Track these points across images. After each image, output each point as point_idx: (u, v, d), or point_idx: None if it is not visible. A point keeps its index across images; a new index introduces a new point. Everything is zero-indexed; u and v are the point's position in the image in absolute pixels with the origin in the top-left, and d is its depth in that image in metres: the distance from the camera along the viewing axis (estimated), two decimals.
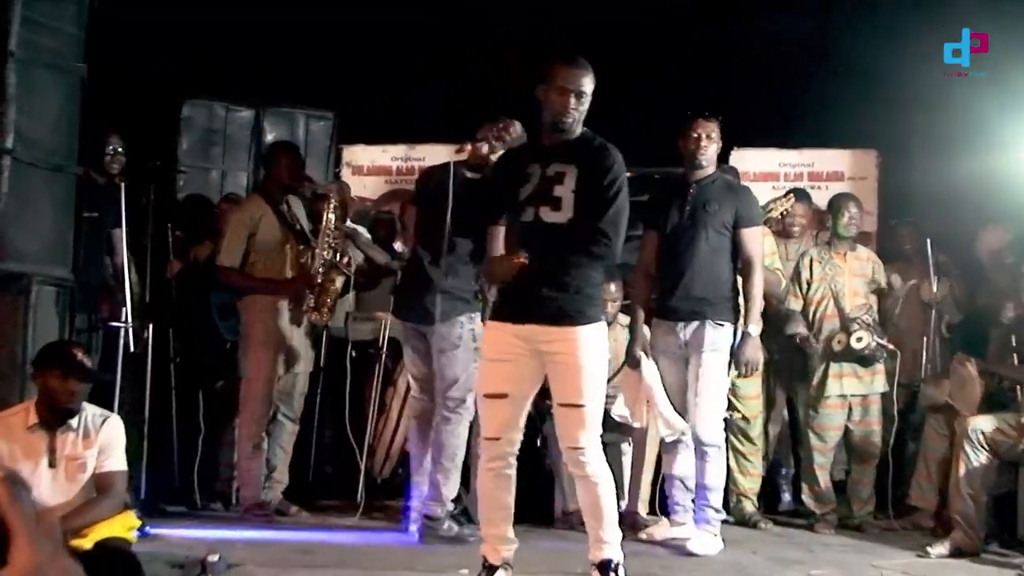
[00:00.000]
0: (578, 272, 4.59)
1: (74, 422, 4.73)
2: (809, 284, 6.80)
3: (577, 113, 4.64)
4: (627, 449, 6.60)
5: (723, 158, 7.66)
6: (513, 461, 4.72)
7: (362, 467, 6.60)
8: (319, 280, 6.44)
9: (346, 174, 9.11)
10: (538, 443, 6.37)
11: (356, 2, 8.88)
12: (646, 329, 6.13)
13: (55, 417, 4.70)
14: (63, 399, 4.67)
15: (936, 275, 7.02)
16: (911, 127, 8.79)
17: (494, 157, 5.60)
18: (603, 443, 4.70)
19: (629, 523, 5.99)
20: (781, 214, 6.97)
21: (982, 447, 5.92)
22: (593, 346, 4.60)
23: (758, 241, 6.01)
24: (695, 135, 5.96)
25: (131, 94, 7.97)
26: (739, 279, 5.96)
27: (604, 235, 4.55)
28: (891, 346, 6.69)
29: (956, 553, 5.87)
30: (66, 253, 5.97)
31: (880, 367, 6.72)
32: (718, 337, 5.84)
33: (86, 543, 4.46)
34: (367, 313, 7.20)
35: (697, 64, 8.96)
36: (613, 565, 4.63)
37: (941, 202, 7.91)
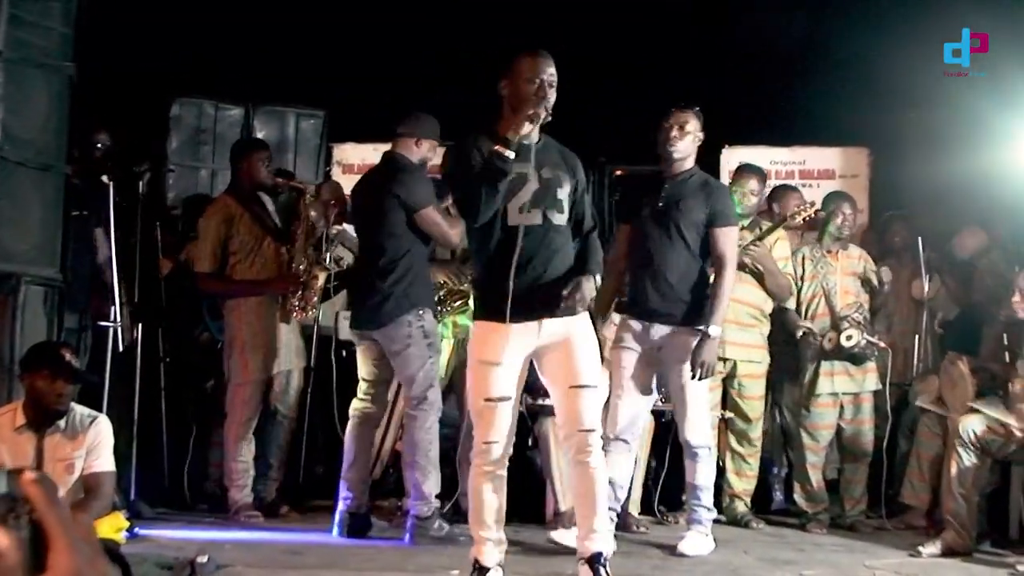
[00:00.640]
0: (574, 269, 4.66)
1: (62, 423, 4.71)
2: (801, 282, 6.78)
3: (550, 102, 4.57)
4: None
5: (714, 156, 7.65)
6: (506, 462, 4.69)
7: None
8: (303, 278, 6.43)
9: (336, 173, 9.08)
10: (530, 443, 6.35)
11: (345, 0, 8.86)
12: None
13: (43, 418, 4.68)
14: (51, 400, 4.65)
15: (927, 273, 7.02)
16: (902, 125, 8.79)
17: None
18: None
19: (621, 524, 5.98)
20: (805, 220, 6.76)
21: (974, 447, 5.91)
22: (593, 332, 4.74)
23: (732, 241, 5.71)
24: (667, 125, 5.62)
25: (120, 93, 7.94)
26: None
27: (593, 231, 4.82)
28: (882, 344, 6.68)
29: (948, 552, 5.85)
30: (54, 253, 5.94)
31: (872, 365, 6.71)
32: None
33: None
34: None
35: (688, 62, 8.95)
36: (603, 559, 4.60)
37: (932, 200, 7.91)
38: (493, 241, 4.60)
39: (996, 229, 7.30)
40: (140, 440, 6.32)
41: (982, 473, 5.96)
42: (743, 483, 6.75)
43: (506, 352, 4.55)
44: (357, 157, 9.15)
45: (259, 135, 8.67)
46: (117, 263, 6.18)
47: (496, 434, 4.61)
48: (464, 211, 4.72)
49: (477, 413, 4.66)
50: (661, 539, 6.09)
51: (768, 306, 6.70)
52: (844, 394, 6.71)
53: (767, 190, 7.23)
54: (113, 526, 4.70)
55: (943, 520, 6.04)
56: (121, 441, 5.31)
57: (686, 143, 5.64)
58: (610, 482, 5.39)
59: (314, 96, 9.27)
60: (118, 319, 6.10)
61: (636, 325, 5.70)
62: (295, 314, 6.45)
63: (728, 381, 6.66)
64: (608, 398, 5.68)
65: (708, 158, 7.81)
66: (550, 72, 4.60)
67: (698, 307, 5.59)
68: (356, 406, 6.04)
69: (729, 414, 6.64)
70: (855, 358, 6.63)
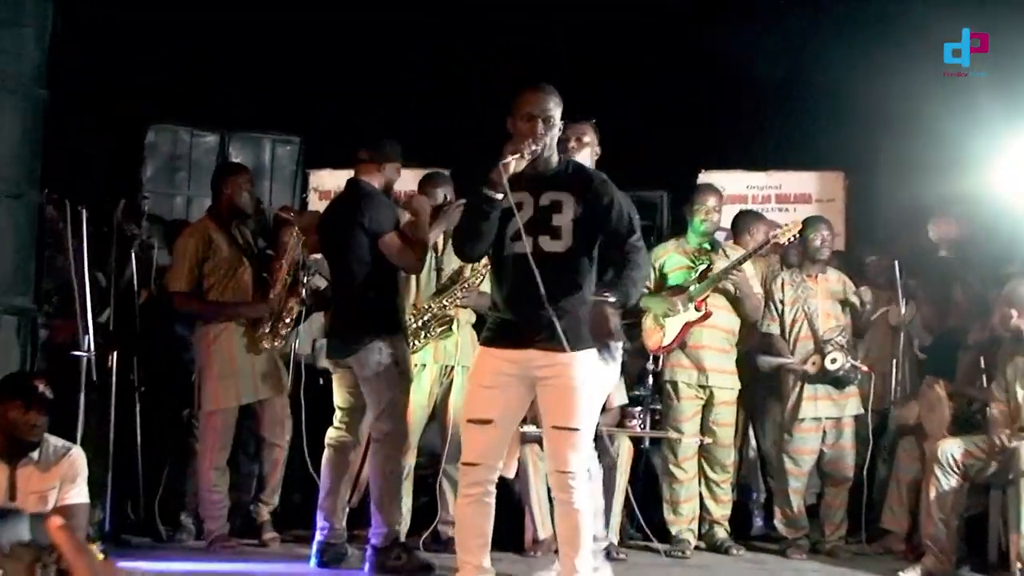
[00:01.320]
0: (576, 299, 4.57)
1: (35, 454, 4.66)
2: (783, 306, 6.77)
3: (548, 139, 4.59)
4: (597, 474, 6.52)
5: (691, 180, 7.69)
6: (492, 489, 4.66)
7: None
8: (279, 304, 6.39)
9: (313, 199, 9.04)
10: None
11: (321, 26, 8.84)
12: None
13: (16, 449, 4.63)
14: (24, 432, 4.60)
15: (904, 297, 7.02)
16: (877, 148, 8.83)
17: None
18: None
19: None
20: (789, 240, 6.77)
21: (953, 470, 5.91)
22: (588, 371, 4.60)
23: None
24: (563, 138, 4.96)
25: (95, 120, 7.89)
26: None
27: (632, 237, 4.64)
28: (865, 368, 6.68)
29: None
30: (28, 282, 5.89)
31: (853, 389, 6.70)
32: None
33: None
34: None
35: (663, 86, 8.97)
36: None
37: (908, 223, 7.93)
38: (495, 269, 4.77)
39: (970, 253, 7.33)
40: (115, 470, 6.25)
41: (961, 497, 5.96)
42: (720, 508, 6.70)
43: (492, 376, 4.60)
44: (334, 183, 9.09)
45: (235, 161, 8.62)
46: (90, 292, 6.12)
47: (474, 456, 4.62)
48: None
49: (463, 433, 4.70)
50: (642, 565, 6.05)
51: (739, 330, 6.70)
52: (827, 418, 6.70)
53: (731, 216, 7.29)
54: None
55: (923, 545, 6.03)
56: (96, 471, 5.25)
57: (583, 156, 5.39)
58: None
59: (290, 122, 9.25)
60: (91, 349, 6.03)
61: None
62: (264, 343, 6.40)
63: (706, 409, 6.63)
64: None
65: (685, 182, 7.85)
66: (543, 108, 4.59)
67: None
68: (332, 435, 5.98)
69: (708, 440, 6.61)
70: (839, 381, 6.61)
